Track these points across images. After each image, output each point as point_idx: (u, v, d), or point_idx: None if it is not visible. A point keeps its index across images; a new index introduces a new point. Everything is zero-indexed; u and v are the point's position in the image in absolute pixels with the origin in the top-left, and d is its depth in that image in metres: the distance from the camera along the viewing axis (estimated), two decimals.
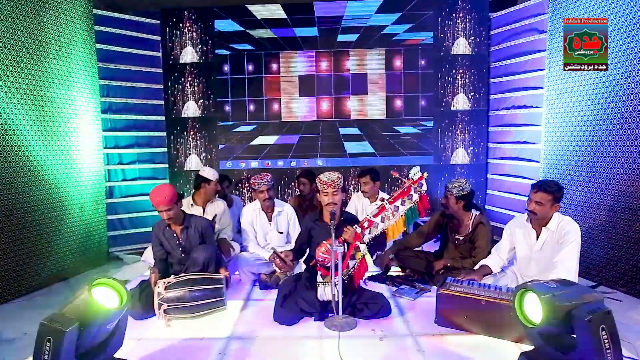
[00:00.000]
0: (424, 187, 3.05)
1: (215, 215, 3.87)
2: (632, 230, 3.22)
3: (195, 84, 5.13)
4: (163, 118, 5.09)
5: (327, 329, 2.66)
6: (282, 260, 3.38)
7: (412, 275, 3.55)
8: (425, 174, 3.06)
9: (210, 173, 3.85)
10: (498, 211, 4.94)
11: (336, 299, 2.65)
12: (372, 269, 3.50)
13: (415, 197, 3.02)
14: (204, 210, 3.86)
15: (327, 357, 2.35)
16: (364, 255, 2.89)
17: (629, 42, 3.28)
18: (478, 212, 3.41)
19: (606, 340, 1.70)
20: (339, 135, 5.24)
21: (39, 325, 1.74)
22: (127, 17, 4.71)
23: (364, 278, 3.12)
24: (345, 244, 2.80)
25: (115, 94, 4.64)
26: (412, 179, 3.05)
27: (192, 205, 3.88)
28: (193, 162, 5.22)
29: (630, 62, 3.26)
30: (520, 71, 4.59)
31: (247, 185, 5.23)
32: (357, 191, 4.42)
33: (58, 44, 3.90)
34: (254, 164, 5.28)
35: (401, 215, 3.01)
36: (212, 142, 5.22)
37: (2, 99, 3.32)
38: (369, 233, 2.93)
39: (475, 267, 3.07)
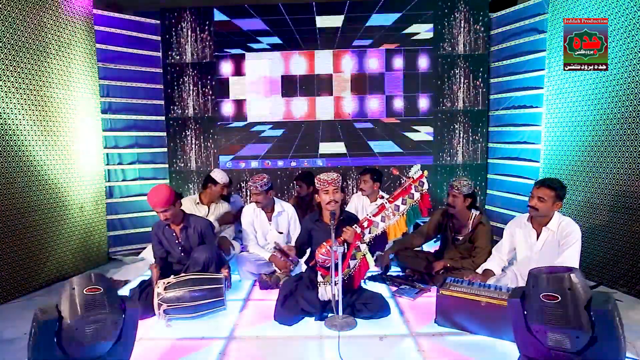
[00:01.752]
0: (426, 186, 3.03)
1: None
2: (632, 230, 3.22)
3: (195, 84, 5.13)
4: (163, 118, 5.09)
5: (327, 329, 2.65)
6: (284, 253, 3.36)
7: (412, 275, 3.55)
8: (426, 172, 3.05)
9: (219, 176, 3.94)
10: (498, 211, 4.94)
11: (336, 299, 2.65)
12: (372, 269, 3.50)
13: (417, 195, 3.00)
14: (208, 209, 3.89)
15: (327, 357, 2.35)
16: (364, 255, 2.88)
17: (629, 42, 3.28)
18: (478, 212, 3.41)
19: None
20: (339, 136, 5.25)
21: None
22: (127, 17, 4.71)
23: (364, 278, 3.11)
24: (345, 244, 2.80)
25: (115, 94, 4.64)
26: (413, 177, 3.03)
27: (197, 203, 3.91)
28: (193, 163, 5.23)
29: (630, 62, 3.26)
30: (520, 71, 4.59)
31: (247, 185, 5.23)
32: (358, 191, 4.43)
33: (58, 44, 3.90)
34: (254, 164, 5.28)
35: (402, 215, 2.99)
36: (212, 142, 5.22)
37: (2, 99, 3.32)
38: (370, 233, 2.92)
39: (479, 271, 3.06)
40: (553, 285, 1.81)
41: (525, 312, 1.89)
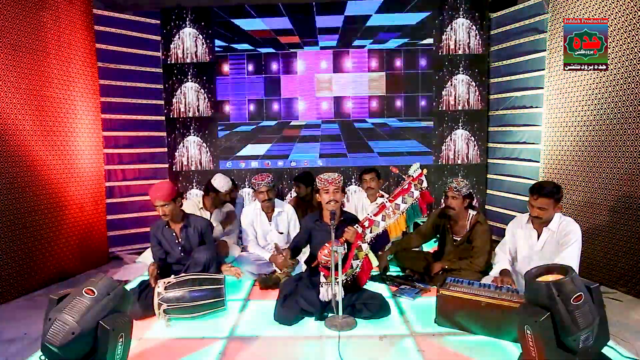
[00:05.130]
0: (425, 184, 3.07)
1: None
2: (632, 231, 3.22)
3: (195, 84, 5.13)
4: (163, 118, 5.09)
5: (327, 329, 2.65)
6: (281, 254, 3.34)
7: (412, 275, 3.55)
8: (425, 170, 3.10)
9: (220, 184, 3.81)
10: (498, 211, 4.94)
11: (337, 299, 2.65)
12: (374, 269, 3.49)
13: (416, 194, 3.03)
14: (210, 215, 3.88)
15: (327, 357, 2.35)
16: (367, 254, 2.88)
17: (629, 42, 3.28)
18: (475, 212, 3.40)
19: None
20: (339, 135, 5.25)
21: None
22: (127, 17, 4.71)
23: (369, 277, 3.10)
24: (347, 244, 2.79)
25: (115, 94, 4.64)
26: (412, 175, 3.07)
27: (200, 208, 3.87)
28: (193, 163, 5.23)
29: (630, 62, 3.26)
30: (520, 71, 4.59)
31: (248, 185, 5.24)
32: (361, 190, 4.43)
33: (58, 44, 3.89)
34: (254, 164, 5.28)
35: (402, 213, 3.02)
36: (212, 142, 5.22)
37: (2, 99, 3.32)
38: (371, 232, 2.93)
39: (493, 273, 3.03)
40: (576, 284, 1.75)
41: (558, 326, 1.76)
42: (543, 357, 1.81)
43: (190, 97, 5.14)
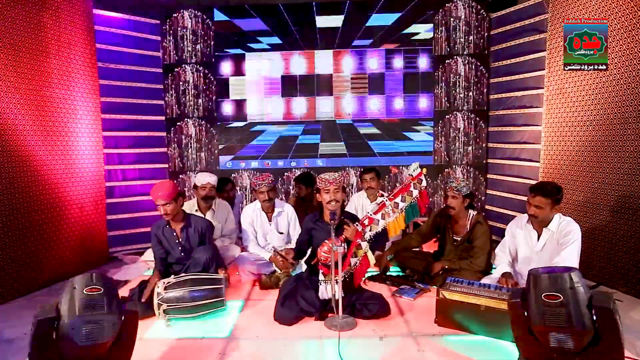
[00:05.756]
0: (424, 183, 3.08)
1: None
2: (632, 230, 3.22)
3: (195, 84, 5.13)
4: (163, 118, 5.09)
5: (327, 329, 2.65)
6: (283, 257, 3.38)
7: (412, 275, 3.55)
8: (424, 170, 3.11)
9: (199, 178, 3.79)
10: (498, 211, 4.94)
11: (336, 298, 2.65)
12: (372, 269, 3.49)
13: (416, 193, 3.05)
14: (204, 216, 3.87)
15: (327, 357, 2.35)
16: (365, 252, 2.89)
17: (629, 42, 3.28)
18: (475, 212, 3.40)
19: None
20: (339, 135, 5.25)
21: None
22: (127, 17, 4.71)
23: (364, 277, 3.11)
24: (346, 242, 2.79)
25: (115, 94, 4.64)
26: (412, 175, 3.08)
27: (196, 210, 3.87)
28: (193, 163, 5.23)
29: (630, 62, 3.26)
30: (520, 71, 4.59)
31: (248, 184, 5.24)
32: (360, 190, 4.43)
33: (58, 44, 3.90)
34: (254, 164, 5.28)
35: (402, 212, 3.04)
36: (212, 142, 5.22)
37: (2, 99, 3.32)
38: (370, 230, 2.94)
39: (495, 275, 3.03)
40: (554, 285, 1.79)
41: (526, 314, 1.86)
42: (515, 336, 1.97)
43: (190, 97, 5.14)
